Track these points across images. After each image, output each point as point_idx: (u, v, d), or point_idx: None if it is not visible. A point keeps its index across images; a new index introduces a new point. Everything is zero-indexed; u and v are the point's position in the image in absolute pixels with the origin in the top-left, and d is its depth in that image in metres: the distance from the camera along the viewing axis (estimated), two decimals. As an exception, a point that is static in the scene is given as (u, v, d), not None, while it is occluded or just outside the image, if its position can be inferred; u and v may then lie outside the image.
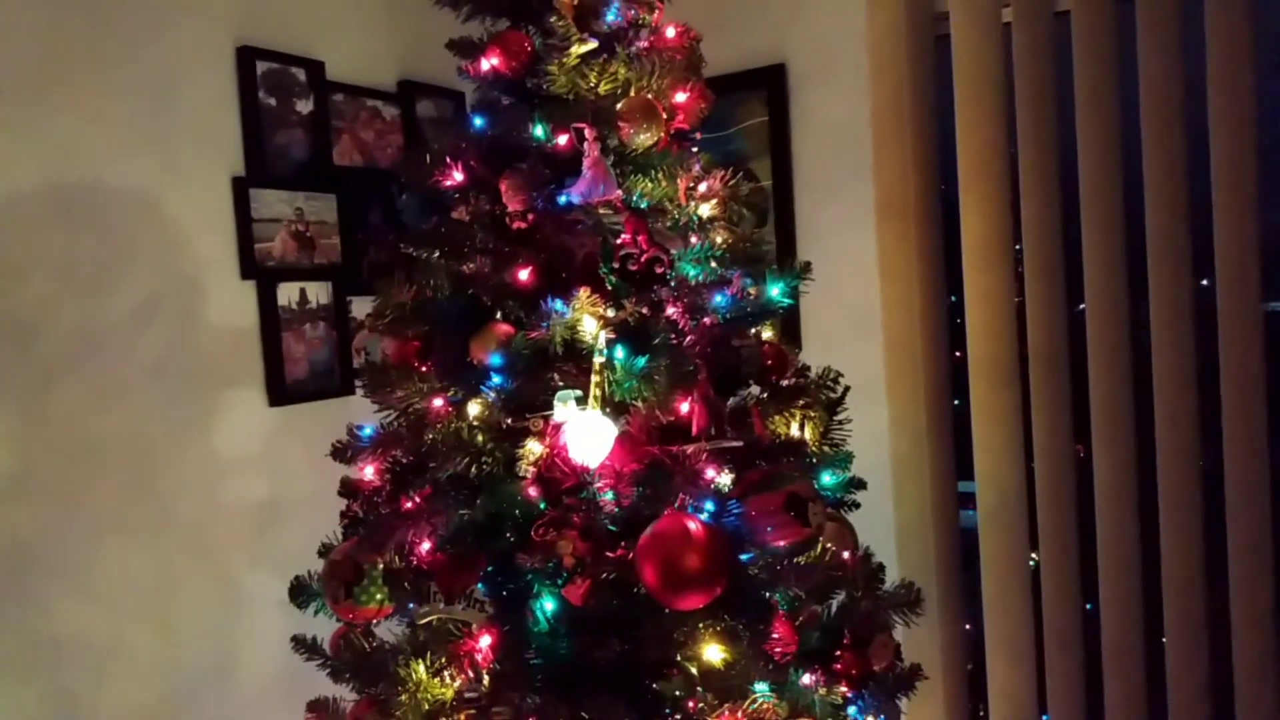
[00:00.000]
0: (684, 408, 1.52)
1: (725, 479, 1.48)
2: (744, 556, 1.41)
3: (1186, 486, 2.28)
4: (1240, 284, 2.18)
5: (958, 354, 2.59)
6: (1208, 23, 2.17)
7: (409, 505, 1.58)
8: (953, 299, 2.59)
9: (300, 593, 1.68)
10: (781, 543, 1.44)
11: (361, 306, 2.65)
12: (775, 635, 1.41)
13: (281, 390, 2.45)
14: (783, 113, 2.72)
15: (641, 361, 1.44)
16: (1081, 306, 2.39)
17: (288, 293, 2.47)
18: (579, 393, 1.46)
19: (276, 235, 2.43)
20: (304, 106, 2.52)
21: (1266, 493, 2.21)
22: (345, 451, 1.68)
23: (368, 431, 1.68)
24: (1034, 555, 2.53)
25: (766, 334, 1.78)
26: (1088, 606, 2.51)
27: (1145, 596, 2.38)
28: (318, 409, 2.54)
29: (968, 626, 2.68)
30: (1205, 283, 2.28)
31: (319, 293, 2.55)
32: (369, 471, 1.64)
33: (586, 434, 1.42)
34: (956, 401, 2.61)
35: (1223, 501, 2.25)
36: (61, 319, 2.05)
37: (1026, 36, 2.37)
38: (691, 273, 1.60)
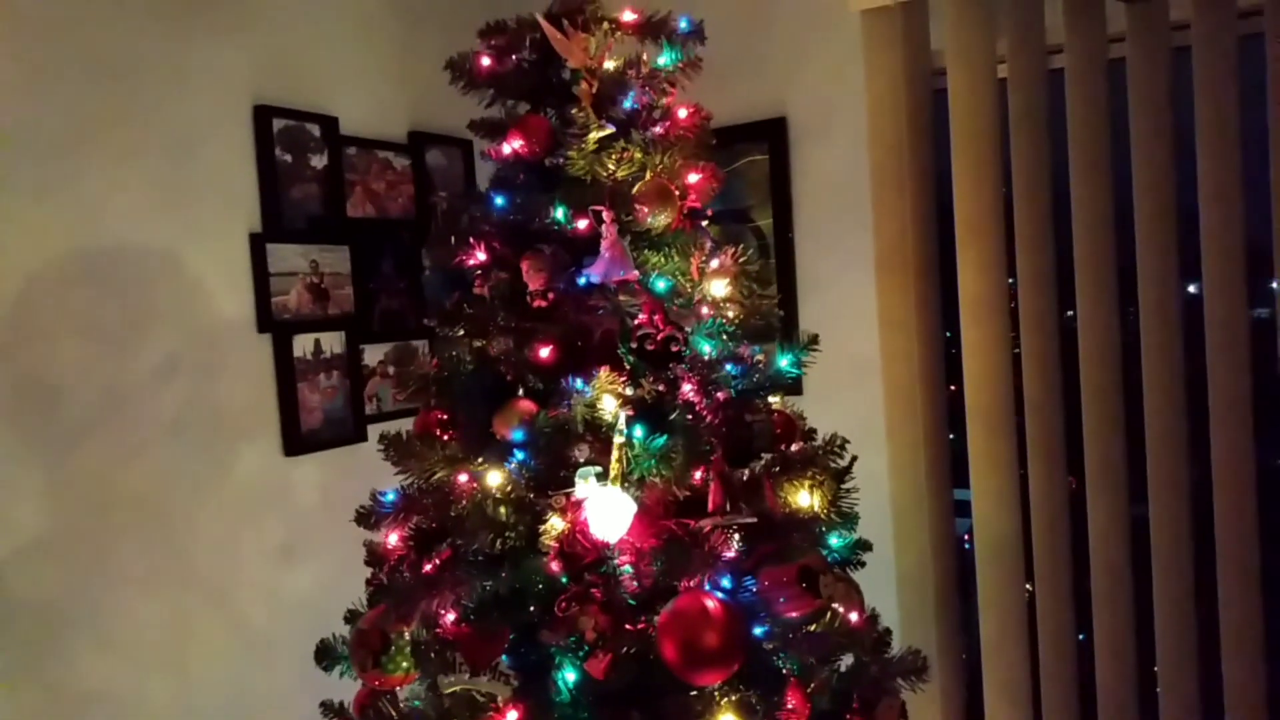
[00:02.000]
0: (698, 476, 1.59)
1: (739, 550, 1.54)
2: (759, 630, 1.47)
3: (1177, 522, 2.35)
4: (1228, 299, 2.25)
5: (953, 387, 2.66)
6: (1196, 76, 2.24)
7: (429, 568, 1.64)
8: (948, 334, 2.65)
9: (325, 655, 1.73)
10: (794, 614, 1.50)
11: (374, 354, 2.71)
12: (789, 705, 1.47)
13: (297, 440, 2.51)
14: (784, 164, 2.79)
15: (660, 440, 1.50)
16: (1071, 313, 2.46)
17: (303, 344, 2.52)
18: (599, 469, 1.52)
19: (292, 288, 2.49)
20: (318, 161, 2.58)
21: (1254, 527, 2.28)
22: (369, 517, 1.74)
23: (390, 497, 1.74)
24: (1029, 586, 2.60)
25: (774, 400, 1.84)
26: (1080, 637, 2.58)
27: (1138, 628, 2.45)
28: (332, 457, 2.59)
29: (964, 656, 2.75)
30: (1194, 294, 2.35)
31: (333, 342, 2.60)
32: (393, 539, 1.69)
33: (607, 510, 1.48)
34: (952, 435, 2.67)
35: (1213, 537, 2.33)
36: (87, 379, 2.10)
37: (1022, 94, 2.44)
38: (705, 348, 1.66)
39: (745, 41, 2.79)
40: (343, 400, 2.63)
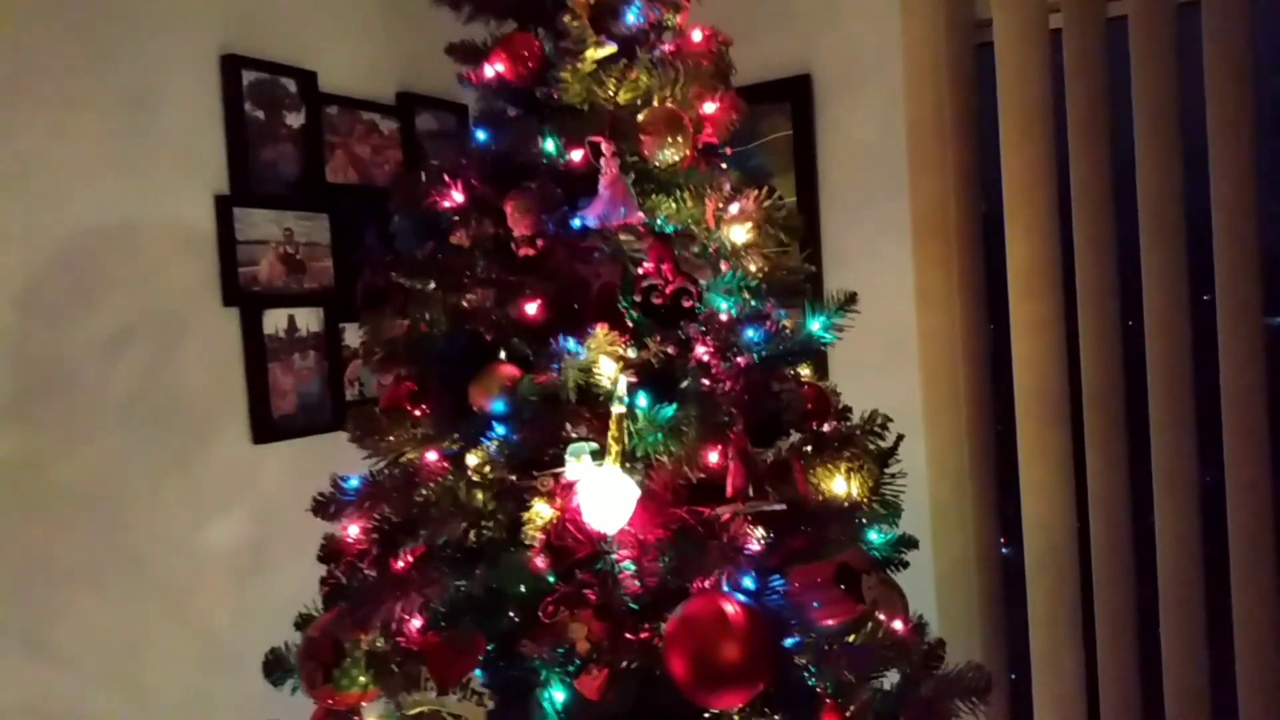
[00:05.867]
0: (713, 457, 1.33)
1: (764, 544, 1.28)
2: (789, 641, 1.21)
3: (1259, 529, 2.07)
4: None
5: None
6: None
7: (399, 567, 1.39)
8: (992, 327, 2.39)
9: (277, 668, 1.47)
10: (831, 621, 1.24)
11: (355, 334, 2.46)
12: (825, 732, 1.21)
13: (267, 426, 2.26)
14: (808, 127, 2.53)
15: (668, 411, 1.24)
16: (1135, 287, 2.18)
17: (275, 320, 2.28)
18: (595, 446, 1.27)
19: (263, 258, 2.25)
20: (294, 120, 2.34)
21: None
22: (328, 506, 1.48)
23: (353, 483, 1.48)
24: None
25: (805, 373, 1.58)
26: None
27: (1211, 649, 2.17)
28: (307, 445, 2.35)
29: (1013, 676, 2.47)
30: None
31: (309, 320, 2.36)
32: (353, 530, 1.44)
33: (604, 495, 1.23)
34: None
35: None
36: (23, 352, 1.87)
37: (1077, 44, 2.18)
38: (722, 306, 1.41)
39: (765, -10, 2.54)
40: (320, 383, 2.38)
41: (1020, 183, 2.23)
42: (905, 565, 1.63)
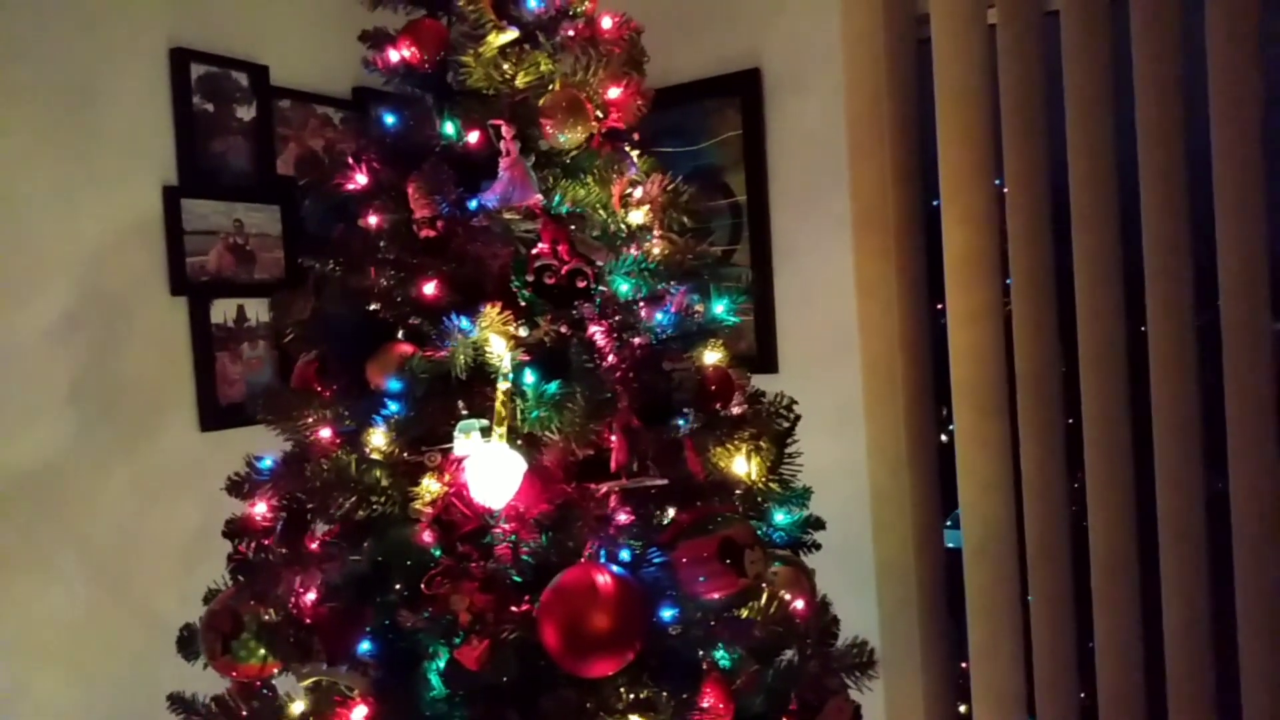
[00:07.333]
0: (614, 438, 1.35)
1: (654, 521, 1.31)
2: (668, 613, 1.23)
3: (1190, 519, 2.07)
4: (1248, 301, 1.98)
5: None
6: (1208, 20, 2.00)
7: (316, 545, 1.41)
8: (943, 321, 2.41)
9: (190, 644, 1.50)
10: (715, 595, 1.26)
11: (307, 325, 2.49)
12: (705, 704, 1.23)
13: (215, 414, 2.29)
14: (758, 121, 2.55)
15: (553, 388, 1.26)
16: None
17: (223, 309, 2.31)
18: (485, 423, 1.29)
19: (212, 248, 2.28)
20: (245, 113, 2.37)
21: (1277, 526, 2.01)
22: (242, 486, 1.51)
23: (267, 464, 1.51)
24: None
25: (715, 356, 1.60)
26: (1089, 644, 2.31)
27: (1147, 638, 2.17)
28: (256, 434, 2.33)
29: (963, 665, 2.48)
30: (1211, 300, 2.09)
31: (259, 310, 2.39)
32: (260, 508, 1.46)
33: (490, 470, 1.25)
34: (951, 427, 2.42)
35: (1230, 535, 2.05)
36: (-40, 337, 1.90)
37: (1013, 39, 2.19)
38: (623, 288, 1.43)
39: (713, -15, 2.57)
40: (270, 373, 2.41)
41: (957, 175, 2.25)
42: (816, 547, 1.65)
